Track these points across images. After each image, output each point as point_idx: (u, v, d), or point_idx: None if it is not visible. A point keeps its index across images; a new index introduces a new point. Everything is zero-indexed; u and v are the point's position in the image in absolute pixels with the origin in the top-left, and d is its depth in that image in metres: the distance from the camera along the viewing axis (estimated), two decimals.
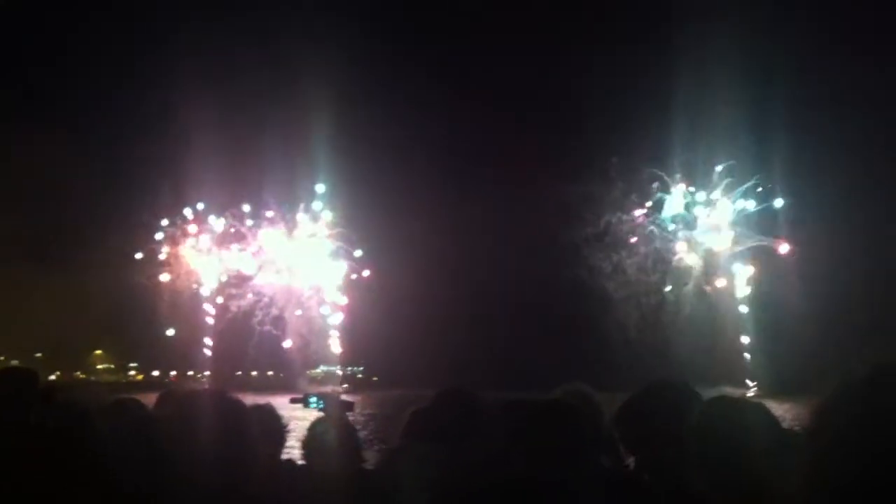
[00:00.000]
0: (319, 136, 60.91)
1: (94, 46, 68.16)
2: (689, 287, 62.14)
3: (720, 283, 61.80)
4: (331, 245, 67.30)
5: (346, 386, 65.06)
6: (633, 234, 63.00)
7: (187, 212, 66.76)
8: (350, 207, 66.06)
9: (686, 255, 62.85)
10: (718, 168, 61.52)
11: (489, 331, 61.06)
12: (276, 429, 3.73)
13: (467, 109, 65.43)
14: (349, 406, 3.26)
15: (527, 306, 62.50)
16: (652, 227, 63.00)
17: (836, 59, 57.78)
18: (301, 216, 66.85)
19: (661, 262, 62.83)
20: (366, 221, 65.74)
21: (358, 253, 66.51)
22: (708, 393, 2.52)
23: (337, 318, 67.30)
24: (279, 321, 66.45)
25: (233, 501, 2.20)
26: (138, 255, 65.45)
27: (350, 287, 67.09)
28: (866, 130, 55.43)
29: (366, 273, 66.33)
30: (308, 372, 66.62)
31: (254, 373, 65.99)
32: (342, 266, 67.27)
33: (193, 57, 59.94)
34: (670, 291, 62.26)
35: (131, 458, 3.29)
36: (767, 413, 2.06)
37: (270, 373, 65.97)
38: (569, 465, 2.26)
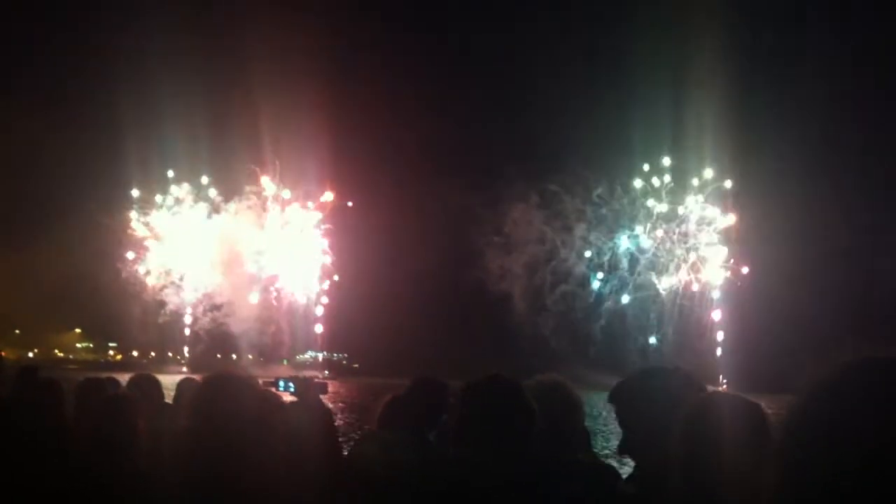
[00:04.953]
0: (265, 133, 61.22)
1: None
2: (570, 286, 63.98)
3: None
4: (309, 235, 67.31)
5: (327, 372, 65.04)
6: (530, 236, 64.08)
7: (172, 190, 66.31)
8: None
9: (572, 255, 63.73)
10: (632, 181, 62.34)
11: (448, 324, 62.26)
12: None
13: (389, 116, 66.06)
14: (323, 388, 3.21)
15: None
16: (545, 228, 64.07)
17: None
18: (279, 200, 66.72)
19: (547, 262, 64.08)
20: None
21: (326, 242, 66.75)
22: None
23: (321, 309, 67.48)
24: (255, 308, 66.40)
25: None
26: (115, 237, 64.79)
27: (330, 278, 67.30)
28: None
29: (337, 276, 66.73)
30: (296, 357, 66.78)
31: (233, 356, 65.81)
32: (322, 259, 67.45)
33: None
34: (560, 288, 63.44)
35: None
36: (763, 413, 2.00)
37: (251, 356, 65.80)
38: (507, 445, 2.29)
